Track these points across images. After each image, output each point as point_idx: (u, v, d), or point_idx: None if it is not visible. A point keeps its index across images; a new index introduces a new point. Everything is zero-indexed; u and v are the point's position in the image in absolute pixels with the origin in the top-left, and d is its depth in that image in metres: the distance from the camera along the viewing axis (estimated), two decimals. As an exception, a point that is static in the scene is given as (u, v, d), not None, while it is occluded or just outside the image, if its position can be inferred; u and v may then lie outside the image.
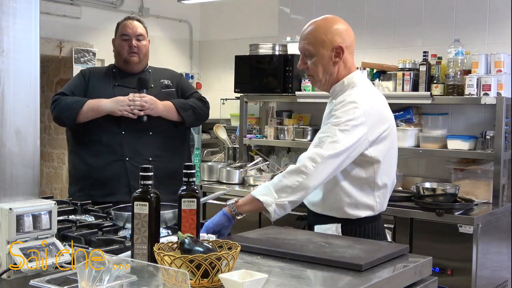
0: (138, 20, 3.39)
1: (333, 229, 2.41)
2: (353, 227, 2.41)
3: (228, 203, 2.30)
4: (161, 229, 2.09)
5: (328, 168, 2.24)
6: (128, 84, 3.30)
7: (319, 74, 2.44)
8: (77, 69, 5.47)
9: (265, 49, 4.88)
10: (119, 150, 3.20)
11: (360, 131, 2.29)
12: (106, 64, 5.66)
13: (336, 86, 2.46)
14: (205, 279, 1.62)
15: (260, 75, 4.76)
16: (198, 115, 3.36)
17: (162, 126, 3.26)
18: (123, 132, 3.22)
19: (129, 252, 1.90)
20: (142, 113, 3.16)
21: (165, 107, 3.24)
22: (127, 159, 3.18)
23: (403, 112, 4.23)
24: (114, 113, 3.16)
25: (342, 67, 2.44)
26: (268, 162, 4.87)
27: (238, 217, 2.30)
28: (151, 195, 1.85)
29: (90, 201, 2.87)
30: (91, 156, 3.23)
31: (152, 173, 1.87)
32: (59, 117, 3.23)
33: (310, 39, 2.42)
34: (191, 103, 3.34)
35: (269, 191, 2.25)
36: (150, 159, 3.20)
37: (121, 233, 2.31)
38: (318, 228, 2.45)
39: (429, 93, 4.05)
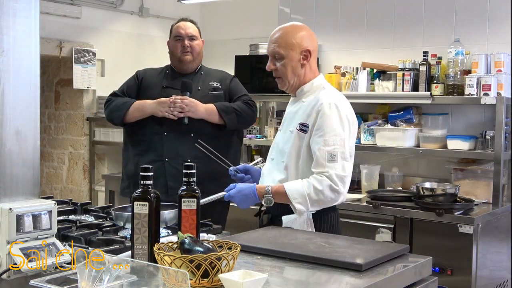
0: (191, 21, 3.47)
1: (304, 217, 2.50)
2: (322, 215, 2.53)
3: (266, 188, 2.50)
4: (161, 229, 2.09)
5: (349, 179, 2.50)
6: (175, 86, 3.36)
7: (288, 76, 2.61)
8: (77, 69, 5.48)
9: (265, 49, 4.85)
10: (159, 150, 3.27)
11: (352, 131, 2.57)
12: (106, 64, 5.71)
13: (304, 87, 2.64)
14: (205, 279, 1.62)
15: (260, 75, 4.76)
16: (242, 119, 3.36)
17: (204, 129, 3.29)
18: (165, 133, 3.28)
19: (129, 252, 1.90)
20: (182, 115, 3.21)
21: (206, 110, 3.27)
22: (166, 159, 3.24)
23: (403, 112, 4.23)
24: (156, 114, 3.24)
25: (308, 70, 2.63)
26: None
27: (264, 202, 2.52)
28: (151, 195, 1.85)
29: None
30: (136, 155, 3.34)
31: (152, 173, 1.87)
32: (110, 118, 3.40)
33: (280, 42, 2.60)
34: (235, 107, 3.34)
35: (305, 201, 2.45)
36: (189, 160, 3.21)
37: (121, 233, 2.31)
38: (286, 218, 2.53)
39: (429, 93, 4.05)
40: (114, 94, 3.43)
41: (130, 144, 3.41)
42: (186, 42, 3.36)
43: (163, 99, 3.25)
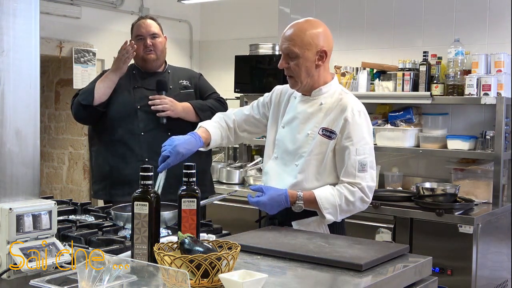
0: (152, 18, 3.42)
1: (318, 222, 2.47)
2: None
3: (298, 194, 2.44)
4: (161, 229, 2.09)
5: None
6: (147, 86, 3.33)
7: (301, 76, 2.49)
8: (77, 69, 5.47)
9: (265, 49, 4.88)
10: (138, 151, 3.24)
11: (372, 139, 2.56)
12: (106, 64, 5.70)
13: (323, 88, 2.53)
14: (205, 279, 1.62)
15: (260, 75, 4.76)
16: None
17: (181, 127, 3.26)
18: (142, 133, 3.25)
19: (129, 252, 1.90)
20: (164, 114, 3.20)
21: (184, 109, 3.26)
22: (146, 159, 3.20)
23: (403, 112, 4.23)
24: (120, 70, 3.22)
25: (322, 71, 2.52)
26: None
27: (294, 208, 2.45)
28: (151, 195, 1.85)
29: (110, 201, 2.92)
30: (112, 156, 3.29)
31: (152, 173, 1.87)
32: (79, 105, 3.24)
33: (296, 40, 2.46)
34: (209, 104, 3.35)
35: (336, 212, 2.43)
36: None
37: (121, 233, 2.31)
38: (297, 223, 2.48)
39: (429, 93, 4.05)
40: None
41: (103, 145, 3.34)
42: (148, 41, 3.32)
43: (117, 55, 3.24)
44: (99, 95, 3.22)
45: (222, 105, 3.42)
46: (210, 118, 3.29)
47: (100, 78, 3.29)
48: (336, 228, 2.53)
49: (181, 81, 3.41)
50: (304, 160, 2.48)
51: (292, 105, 2.62)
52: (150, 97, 3.23)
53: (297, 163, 2.50)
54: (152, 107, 3.19)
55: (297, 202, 2.43)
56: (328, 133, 2.45)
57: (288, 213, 2.48)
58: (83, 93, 3.27)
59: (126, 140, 3.25)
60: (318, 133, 2.47)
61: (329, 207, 2.40)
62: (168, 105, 3.20)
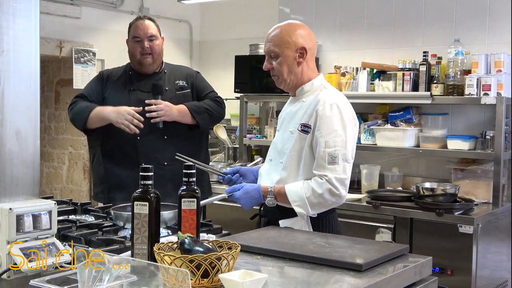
0: (150, 19, 3.37)
1: (302, 222, 2.49)
2: (320, 218, 2.52)
3: (269, 189, 2.51)
4: (161, 229, 2.09)
5: (349, 181, 2.48)
6: (143, 89, 3.31)
7: (284, 74, 2.57)
8: (77, 69, 5.47)
9: (265, 49, 4.87)
10: (134, 155, 3.22)
11: (354, 133, 2.53)
12: (106, 64, 5.70)
13: (304, 86, 2.60)
14: (205, 279, 1.62)
15: (260, 75, 4.76)
16: (213, 117, 3.37)
17: (177, 130, 3.26)
18: (138, 138, 3.22)
19: (129, 252, 1.90)
20: (158, 119, 3.17)
21: (180, 112, 3.23)
22: (142, 164, 3.16)
23: (403, 112, 4.23)
24: (113, 123, 3.15)
25: (306, 68, 2.58)
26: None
27: (267, 203, 2.52)
28: (151, 195, 1.85)
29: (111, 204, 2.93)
30: (109, 161, 3.28)
31: (152, 173, 1.87)
32: (73, 122, 3.31)
33: (275, 41, 2.56)
34: (205, 106, 3.32)
35: (305, 204, 2.44)
36: (166, 163, 3.19)
37: (121, 233, 2.32)
38: (283, 222, 2.51)
39: (429, 93, 4.05)
40: (79, 96, 3.33)
41: (101, 150, 3.33)
42: (146, 44, 3.28)
43: (122, 108, 3.15)
44: (90, 124, 3.22)
45: (219, 105, 3.40)
46: (206, 120, 3.31)
47: (97, 111, 3.19)
48: (324, 229, 2.52)
49: (177, 82, 3.38)
50: (286, 156, 2.55)
51: (285, 109, 2.71)
52: (146, 101, 3.20)
53: (281, 160, 2.58)
54: (147, 114, 3.16)
55: (268, 196, 2.49)
56: (306, 129, 2.51)
57: (277, 213, 2.52)
58: (77, 114, 3.24)
59: (122, 144, 3.24)
60: (298, 129, 2.53)
61: (298, 199, 2.44)
62: (164, 110, 3.17)
